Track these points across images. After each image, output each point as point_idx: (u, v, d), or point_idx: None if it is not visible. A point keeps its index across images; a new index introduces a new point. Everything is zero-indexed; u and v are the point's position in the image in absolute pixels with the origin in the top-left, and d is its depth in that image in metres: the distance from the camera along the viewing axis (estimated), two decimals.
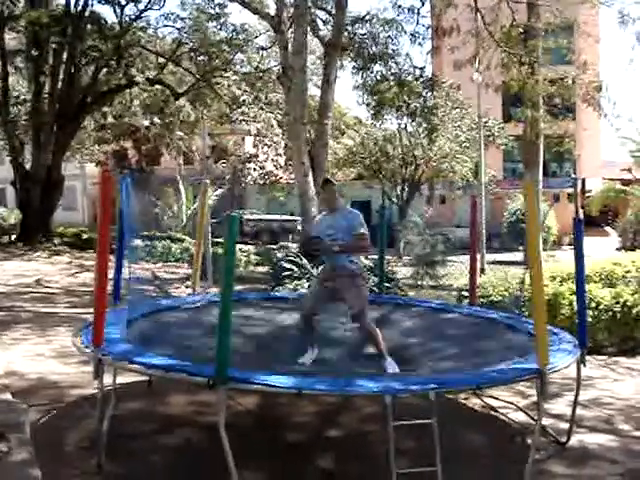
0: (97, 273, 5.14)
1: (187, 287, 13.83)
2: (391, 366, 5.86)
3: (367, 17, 22.53)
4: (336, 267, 6.35)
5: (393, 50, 22.42)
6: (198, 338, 6.25)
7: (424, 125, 27.90)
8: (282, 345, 6.39)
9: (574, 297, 7.63)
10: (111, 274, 6.23)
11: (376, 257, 10.46)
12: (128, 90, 29.57)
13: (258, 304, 8.55)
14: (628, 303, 9.94)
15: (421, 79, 22.84)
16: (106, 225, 5.14)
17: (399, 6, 20.73)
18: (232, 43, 27.25)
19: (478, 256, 10.42)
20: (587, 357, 6.01)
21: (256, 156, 36.31)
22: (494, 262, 22.57)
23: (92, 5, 27.14)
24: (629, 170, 42.95)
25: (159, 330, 6.43)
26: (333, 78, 18.21)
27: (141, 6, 27.50)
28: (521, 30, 17.51)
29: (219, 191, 33.29)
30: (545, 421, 5.77)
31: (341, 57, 20.38)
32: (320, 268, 6.88)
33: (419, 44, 20.88)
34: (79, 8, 26.79)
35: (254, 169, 37.61)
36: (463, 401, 7.15)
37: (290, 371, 4.94)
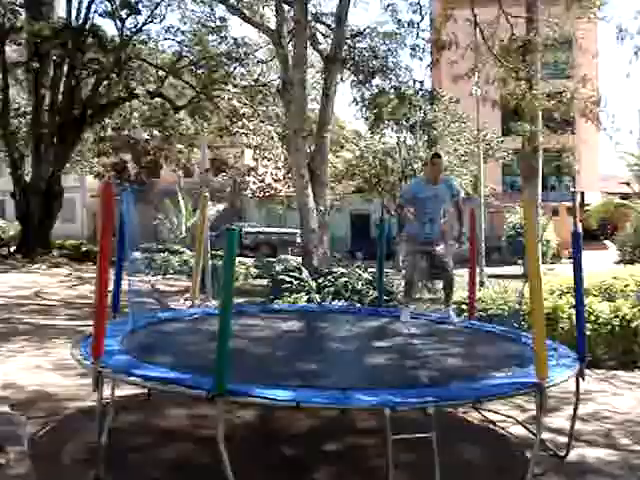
0: (97, 285, 5.14)
1: (186, 300, 13.80)
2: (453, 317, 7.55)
3: (367, 31, 22.62)
4: (433, 238, 7.55)
5: (393, 63, 22.51)
6: (197, 351, 6.24)
7: (424, 138, 27.97)
8: (281, 358, 6.38)
9: (573, 311, 7.62)
10: (110, 286, 6.23)
11: (375, 270, 10.47)
12: (128, 103, 29.66)
13: (257, 316, 8.54)
14: (627, 317, 9.93)
15: (421, 92, 22.91)
16: (107, 237, 5.15)
17: (399, 20, 20.85)
18: (232, 56, 27.36)
19: (477, 270, 10.42)
20: (586, 371, 6.00)
21: (255, 169, 36.38)
22: (493, 276, 22.56)
23: (93, 18, 27.34)
24: (628, 184, 43.04)
25: (158, 343, 6.43)
26: (332, 91, 18.25)
27: (142, 19, 27.67)
28: (520, 44, 17.58)
29: (219, 206, 33.32)
30: (544, 435, 5.75)
31: (341, 71, 20.43)
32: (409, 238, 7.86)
33: (419, 58, 20.95)
34: (80, 21, 26.93)
35: (253, 182, 37.67)
36: (462, 415, 7.14)
37: (289, 384, 4.92)
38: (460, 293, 10.18)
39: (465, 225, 7.91)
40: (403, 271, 8.11)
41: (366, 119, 25.84)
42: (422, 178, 7.87)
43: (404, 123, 27.40)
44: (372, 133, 29.72)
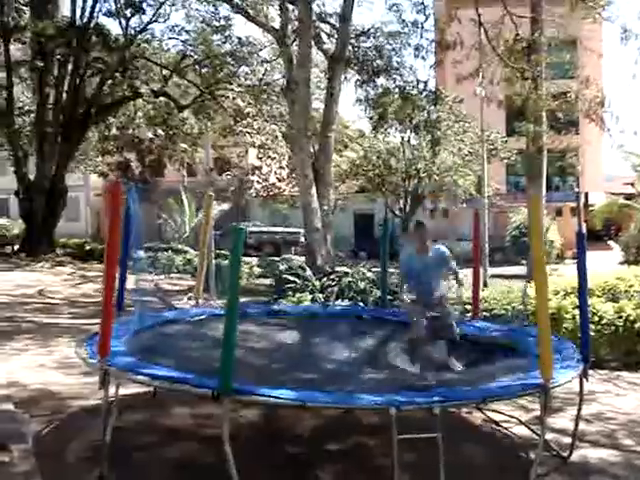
0: (105, 284, 5.14)
1: (190, 299, 13.81)
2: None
3: (371, 31, 22.60)
4: (432, 301, 7.29)
5: (397, 63, 22.48)
6: (202, 350, 6.26)
7: (427, 138, 27.94)
8: (286, 357, 6.39)
9: (577, 311, 7.62)
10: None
11: (379, 270, 10.46)
12: (132, 102, 29.68)
13: (261, 316, 8.55)
14: (631, 317, 9.91)
15: (425, 92, 22.89)
16: (115, 236, 5.16)
17: (403, 20, 20.83)
18: (236, 56, 27.36)
19: (481, 270, 10.41)
20: (590, 371, 6.00)
21: (259, 168, 36.37)
22: (497, 276, 22.55)
23: (97, 17, 27.34)
24: (632, 184, 42.97)
25: (163, 342, 6.44)
26: (337, 91, 18.24)
27: (146, 18, 27.71)
28: (524, 45, 17.55)
29: (223, 206, 33.30)
30: (548, 435, 5.75)
31: (345, 70, 20.41)
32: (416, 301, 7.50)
33: (422, 58, 20.92)
34: (84, 20, 26.94)
35: (257, 181, 37.67)
36: (466, 415, 7.14)
37: (294, 384, 4.93)
38: (464, 293, 10.18)
39: (462, 285, 7.74)
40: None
41: (370, 118, 25.85)
42: (413, 250, 7.56)
43: (408, 123, 27.38)
44: (376, 133, 29.72)
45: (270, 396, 4.56)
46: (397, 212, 33.24)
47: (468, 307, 10.06)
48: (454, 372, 6.12)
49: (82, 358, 5.62)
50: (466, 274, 9.14)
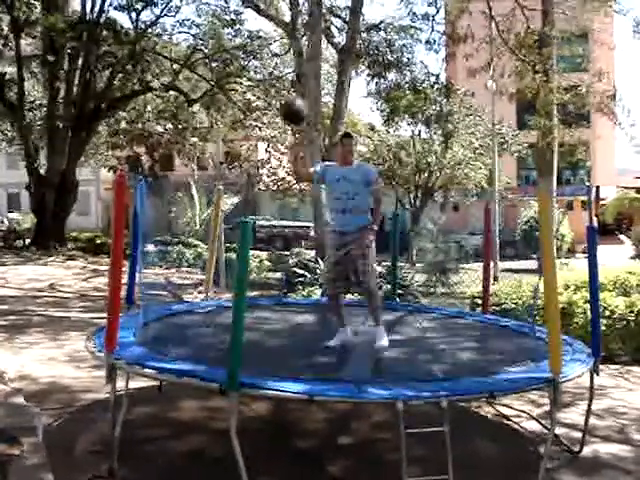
0: (111, 277, 5.15)
1: (200, 293, 13.85)
2: (383, 337, 6.29)
3: (382, 24, 22.54)
4: (354, 229, 6.35)
5: (408, 58, 22.43)
6: (210, 344, 6.25)
7: (439, 132, 27.87)
8: (294, 351, 6.38)
9: (588, 306, 7.58)
10: (125, 278, 6.25)
11: (389, 264, 10.44)
12: (142, 96, 29.71)
13: (271, 309, 8.55)
14: None
15: (436, 86, 22.82)
16: (120, 228, 5.16)
17: (414, 13, 20.78)
18: (247, 50, 27.35)
19: (491, 264, 10.39)
20: (600, 366, 5.98)
21: (269, 162, 36.38)
22: (507, 270, 22.52)
23: (108, 11, 27.35)
24: None
25: (172, 335, 6.45)
26: (347, 85, 18.22)
27: (156, 12, 27.68)
28: (536, 37, 17.49)
29: (234, 199, 33.33)
30: (558, 430, 5.73)
31: (355, 64, 20.38)
32: (330, 237, 6.69)
33: (434, 51, 20.88)
34: (95, 14, 26.97)
35: (267, 175, 37.69)
36: (475, 409, 7.12)
37: (302, 377, 4.92)
38: (474, 287, 10.15)
39: (378, 219, 6.64)
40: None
41: (381, 111, 25.80)
42: (335, 163, 6.65)
43: (419, 117, 27.32)
44: (388, 126, 29.65)
45: (277, 390, 4.56)
46: (407, 206, 33.18)
47: (478, 301, 10.07)
48: (462, 359, 6.07)
49: (90, 352, 5.64)
50: (477, 268, 9.12)
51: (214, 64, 28.38)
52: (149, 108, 31.49)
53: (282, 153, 34.27)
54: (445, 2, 21.17)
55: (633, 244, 36.70)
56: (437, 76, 22.75)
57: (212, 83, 28.33)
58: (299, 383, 4.70)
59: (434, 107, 24.82)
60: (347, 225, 6.39)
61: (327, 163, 7.01)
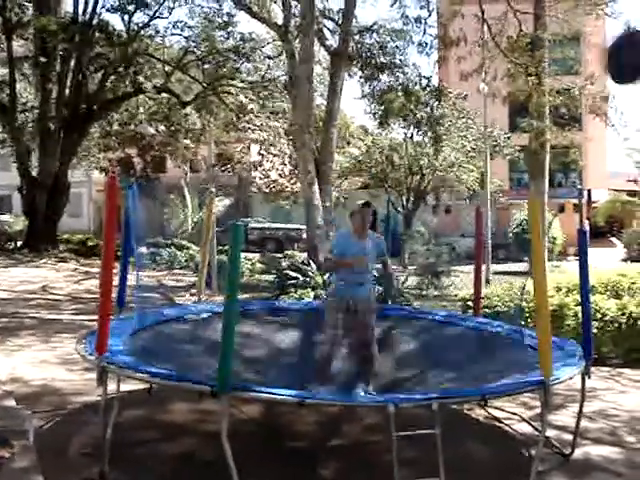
0: (102, 280, 5.14)
1: (192, 295, 13.84)
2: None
3: (374, 27, 22.55)
4: (360, 297, 6.50)
5: (400, 60, 22.43)
6: (202, 347, 6.25)
7: (430, 134, 27.87)
8: (285, 355, 6.38)
9: (579, 308, 7.60)
10: (116, 281, 6.24)
11: (380, 267, 10.43)
12: (135, 98, 29.68)
13: (262, 313, 8.54)
14: (634, 315, 9.89)
15: (428, 89, 22.84)
16: (111, 231, 5.15)
17: (406, 16, 20.78)
18: (239, 52, 27.34)
19: (483, 266, 10.41)
20: (592, 368, 5.99)
21: (261, 165, 36.38)
22: (499, 272, 22.55)
23: (100, 13, 27.34)
24: (635, 181, 42.92)
25: (163, 338, 6.44)
26: (339, 87, 18.23)
27: (149, 14, 27.63)
28: (528, 40, 17.52)
29: (226, 201, 33.31)
30: (549, 432, 5.74)
31: (348, 66, 20.38)
32: (331, 300, 6.69)
33: (426, 54, 20.88)
34: (87, 16, 26.94)
35: (260, 177, 37.68)
36: (467, 412, 7.13)
37: (293, 380, 4.93)
38: (466, 290, 10.16)
39: (394, 286, 7.41)
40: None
41: (374, 114, 25.79)
42: (348, 231, 6.81)
43: (411, 119, 27.31)
44: (383, 129, 29.64)
45: (268, 393, 4.56)
46: (400, 208, 33.18)
47: (470, 304, 10.08)
48: (453, 371, 6.09)
49: (82, 355, 5.62)
50: (469, 271, 9.13)
51: (206, 66, 28.40)
52: (142, 110, 31.45)
53: (275, 155, 34.24)
54: (437, 5, 21.20)
55: (624, 247, 36.79)
56: (428, 79, 22.77)
57: (204, 85, 28.31)
58: (290, 387, 4.70)
59: (426, 110, 24.78)
60: (358, 294, 6.54)
61: (341, 234, 7.14)
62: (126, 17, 27.32)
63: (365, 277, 6.61)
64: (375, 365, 6.39)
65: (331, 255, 6.75)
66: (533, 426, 6.45)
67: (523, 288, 7.73)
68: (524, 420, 6.77)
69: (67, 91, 27.61)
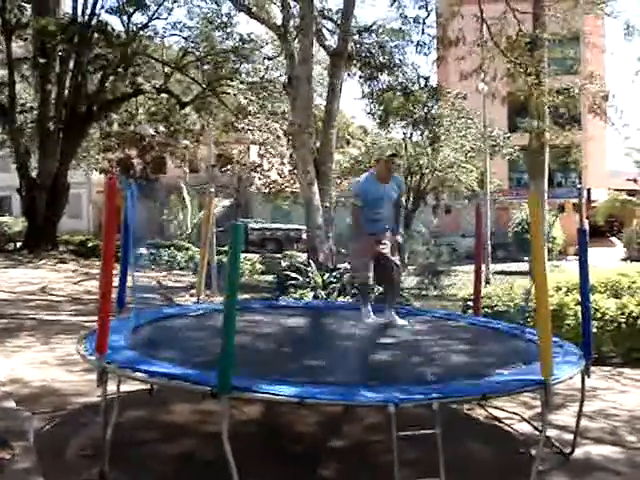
0: (102, 280, 5.14)
1: (192, 295, 13.84)
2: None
3: (373, 27, 22.56)
4: (384, 231, 7.62)
5: (400, 60, 22.44)
6: (202, 347, 6.24)
7: (427, 134, 27.90)
8: (286, 354, 6.37)
9: (579, 308, 7.60)
10: (116, 281, 6.23)
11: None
12: (134, 98, 29.68)
13: (262, 312, 8.54)
14: (633, 314, 9.90)
15: (426, 89, 22.84)
16: (111, 231, 5.15)
17: (405, 16, 20.79)
18: (238, 52, 27.35)
19: (483, 266, 10.41)
20: (592, 368, 5.99)
21: (261, 165, 36.40)
22: (499, 272, 22.56)
23: (99, 14, 27.33)
24: (635, 180, 42.94)
25: (163, 338, 6.43)
26: (338, 87, 18.22)
27: (148, 15, 27.64)
28: (527, 40, 17.53)
29: (225, 202, 33.31)
30: (549, 432, 5.74)
31: (347, 67, 20.38)
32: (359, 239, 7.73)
33: (425, 54, 20.89)
34: (86, 17, 26.94)
35: (259, 178, 37.70)
36: (467, 411, 7.13)
37: (294, 380, 4.91)
38: (466, 290, 10.16)
39: (400, 222, 8.04)
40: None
41: (373, 115, 25.81)
42: (373, 176, 7.70)
43: (409, 119, 27.32)
44: (384, 129, 29.64)
45: (269, 393, 4.55)
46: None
47: (470, 304, 10.08)
48: (453, 361, 6.07)
49: (82, 355, 5.62)
50: (469, 271, 9.13)
51: (206, 67, 28.40)
52: (141, 110, 31.46)
53: (274, 155, 34.25)
54: (436, 5, 21.21)
55: (624, 246, 36.82)
56: (426, 79, 22.79)
57: (204, 86, 28.32)
58: (291, 386, 4.69)
59: (424, 109, 24.81)
60: (381, 229, 7.63)
61: (363, 179, 7.85)
62: (125, 18, 27.35)
63: (386, 218, 7.62)
64: (398, 289, 7.82)
65: (358, 200, 7.62)
66: (533, 426, 6.45)
67: (528, 291, 7.74)
68: (524, 420, 6.77)
69: (66, 92, 27.58)
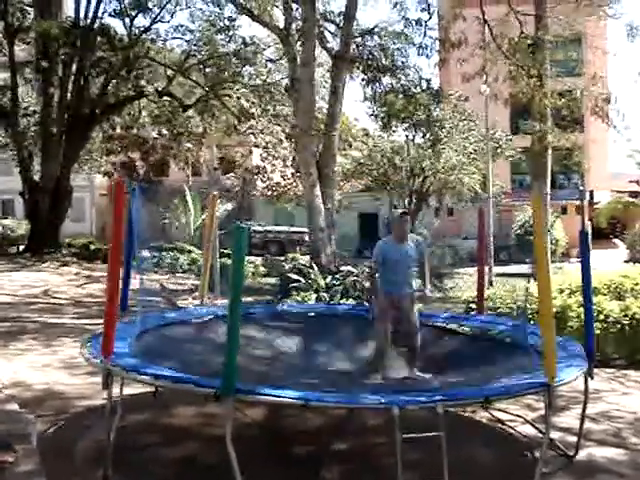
0: (108, 283, 5.14)
1: (195, 298, 13.83)
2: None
3: (375, 30, 22.55)
4: (403, 294, 7.40)
5: (402, 62, 22.42)
6: (206, 350, 6.25)
7: (429, 136, 27.90)
8: (289, 358, 6.38)
9: (582, 310, 7.59)
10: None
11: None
12: (137, 101, 29.71)
13: (266, 316, 8.54)
14: (636, 316, 9.88)
15: (428, 91, 22.82)
16: (119, 235, 5.15)
17: (407, 19, 20.77)
18: (241, 55, 27.36)
19: (486, 268, 10.41)
20: (595, 370, 5.98)
21: (264, 168, 36.39)
22: (502, 274, 22.53)
23: (102, 17, 27.38)
24: (637, 182, 42.87)
25: (167, 341, 6.44)
26: (341, 90, 18.22)
27: (150, 18, 27.69)
28: (529, 42, 17.52)
29: (228, 205, 33.32)
30: (553, 434, 5.73)
31: (350, 69, 20.38)
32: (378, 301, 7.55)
33: (427, 56, 20.87)
34: (89, 20, 26.97)
35: (262, 180, 37.69)
36: (471, 414, 7.12)
37: (297, 384, 4.92)
38: (469, 292, 10.15)
39: (427, 278, 7.80)
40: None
41: (375, 116, 25.80)
42: (390, 239, 7.71)
43: (411, 121, 27.29)
44: (386, 131, 29.63)
45: (273, 396, 4.55)
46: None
47: (473, 306, 10.07)
48: (452, 374, 6.09)
49: (86, 358, 5.62)
50: (472, 273, 9.12)
51: (208, 70, 28.41)
52: (144, 114, 31.49)
53: (276, 158, 34.24)
54: (438, 8, 21.21)
55: (627, 248, 36.75)
56: (428, 81, 22.77)
57: (206, 89, 28.34)
58: (294, 389, 4.69)
59: (426, 112, 24.77)
60: (400, 291, 7.42)
61: (382, 242, 7.78)
62: (128, 21, 27.40)
63: (406, 278, 7.50)
64: (416, 353, 7.25)
65: (375, 263, 7.60)
66: (537, 428, 6.44)
67: (526, 290, 7.74)
68: (528, 422, 6.77)
69: (69, 95, 27.58)
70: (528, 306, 8.46)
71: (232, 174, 41.50)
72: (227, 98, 28.95)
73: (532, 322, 8.18)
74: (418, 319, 7.46)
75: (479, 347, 7.10)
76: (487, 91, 21.25)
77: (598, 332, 8.46)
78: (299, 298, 13.15)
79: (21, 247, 29.25)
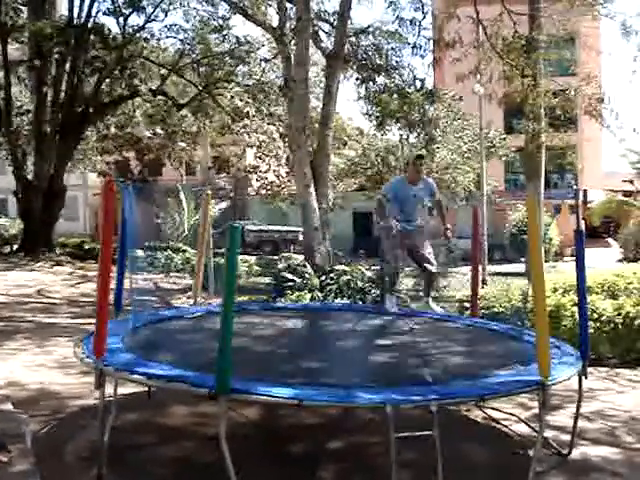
0: (99, 282, 5.13)
1: (188, 298, 13.82)
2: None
3: (370, 29, 22.55)
4: (414, 232, 8.08)
5: (396, 62, 22.44)
6: (200, 349, 6.23)
7: (423, 136, 27.92)
8: (284, 355, 6.37)
9: (576, 309, 7.61)
10: (112, 284, 6.22)
11: (378, 268, 10.47)
12: (130, 100, 29.67)
13: (260, 314, 8.54)
14: (630, 315, 9.91)
15: (422, 91, 22.83)
16: (109, 234, 5.14)
17: (401, 18, 20.78)
18: (235, 55, 27.35)
19: (480, 267, 10.40)
20: (589, 369, 5.99)
21: (258, 167, 36.40)
22: (496, 273, 22.56)
23: (96, 16, 27.31)
24: (631, 181, 43.02)
25: (160, 341, 6.43)
26: (335, 89, 18.23)
27: (144, 17, 27.67)
28: (523, 42, 17.55)
29: (222, 204, 33.29)
30: (547, 433, 5.74)
31: (344, 68, 20.38)
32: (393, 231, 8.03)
33: (421, 56, 20.90)
34: (82, 19, 26.92)
35: (256, 179, 37.70)
36: (465, 413, 7.13)
37: (292, 382, 4.91)
38: (463, 291, 10.15)
39: (445, 217, 8.61)
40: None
41: (369, 116, 25.81)
42: (403, 178, 8.25)
43: (405, 121, 27.32)
44: (381, 130, 29.66)
45: (266, 395, 4.55)
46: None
47: (467, 305, 10.09)
48: (451, 362, 6.08)
49: (79, 358, 5.61)
50: (465, 272, 9.16)
51: (202, 69, 28.39)
52: (138, 113, 31.45)
53: (270, 157, 34.24)
54: (432, 8, 21.24)
55: (621, 247, 36.84)
56: (422, 81, 22.79)
57: (200, 88, 28.32)
58: (289, 387, 4.69)
59: (420, 111, 24.80)
60: (410, 229, 8.07)
61: (394, 180, 8.57)
62: (121, 20, 27.35)
63: (413, 217, 8.12)
64: (434, 279, 8.67)
65: (385, 198, 8.05)
66: (531, 426, 6.45)
67: (526, 292, 7.78)
68: (522, 421, 6.77)
69: (63, 94, 27.54)
70: (523, 306, 8.49)
71: (226, 173, 41.47)
72: (221, 97, 28.95)
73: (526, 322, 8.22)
74: (432, 252, 8.23)
75: (474, 344, 7.10)
76: (481, 91, 21.29)
77: (592, 331, 8.49)
78: (294, 297, 13.15)
79: (14, 246, 29.19)
